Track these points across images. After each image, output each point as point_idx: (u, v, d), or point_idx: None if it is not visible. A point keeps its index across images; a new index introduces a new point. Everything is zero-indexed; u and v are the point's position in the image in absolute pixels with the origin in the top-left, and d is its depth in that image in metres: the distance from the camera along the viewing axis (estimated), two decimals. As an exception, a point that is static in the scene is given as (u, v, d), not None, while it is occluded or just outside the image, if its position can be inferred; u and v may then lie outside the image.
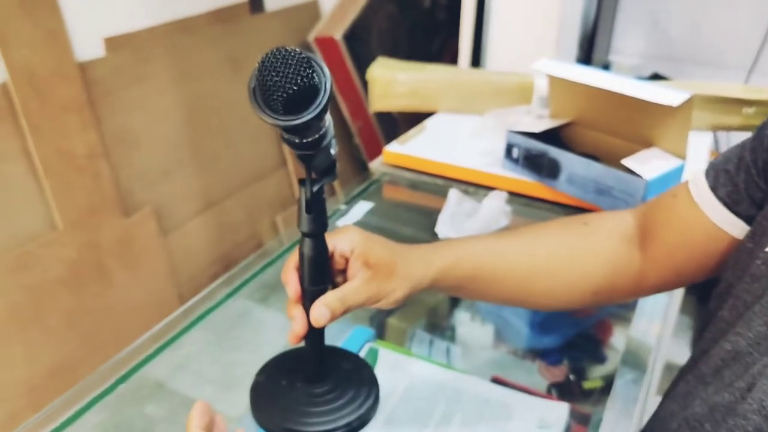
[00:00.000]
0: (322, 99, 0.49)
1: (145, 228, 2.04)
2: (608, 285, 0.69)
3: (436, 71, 1.29)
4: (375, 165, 1.19)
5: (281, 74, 0.48)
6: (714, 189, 0.62)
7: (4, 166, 1.71)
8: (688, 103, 0.92)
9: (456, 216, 1.02)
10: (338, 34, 2.30)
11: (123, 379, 0.78)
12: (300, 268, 0.59)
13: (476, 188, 1.12)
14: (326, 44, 2.34)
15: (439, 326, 1.04)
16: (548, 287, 0.70)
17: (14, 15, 1.68)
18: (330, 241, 0.60)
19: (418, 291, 0.63)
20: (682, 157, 0.98)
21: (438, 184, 1.14)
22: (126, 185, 1.98)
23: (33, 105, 1.73)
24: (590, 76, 1.02)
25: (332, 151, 0.58)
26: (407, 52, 2.58)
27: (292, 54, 0.48)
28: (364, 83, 2.43)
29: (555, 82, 1.09)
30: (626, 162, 0.96)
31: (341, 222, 1.05)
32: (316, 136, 0.53)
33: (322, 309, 0.57)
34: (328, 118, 0.54)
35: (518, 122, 1.20)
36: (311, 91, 0.48)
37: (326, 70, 0.49)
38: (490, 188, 1.11)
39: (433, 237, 1.01)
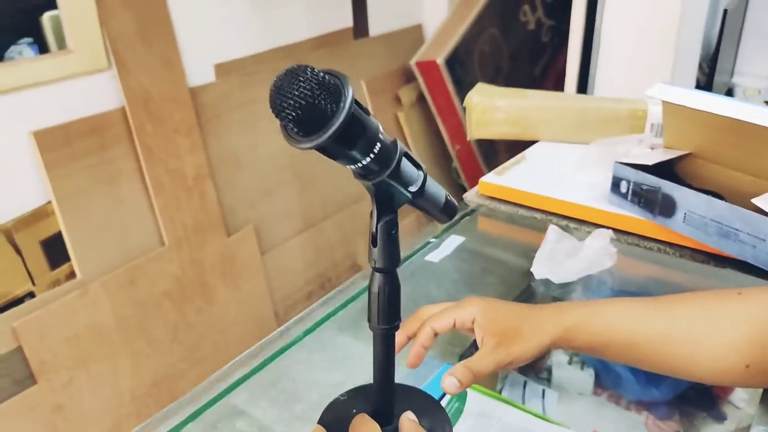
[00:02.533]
0: (334, 122, 0.43)
1: (246, 246, 2.03)
2: (764, 359, 0.60)
3: (537, 97, 1.18)
4: (470, 196, 1.09)
5: (285, 95, 0.44)
6: None
7: (120, 185, 1.73)
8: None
9: (555, 255, 0.91)
10: (440, 58, 2.22)
11: (218, 397, 0.75)
12: (368, 305, 0.55)
13: (579, 224, 1.00)
14: (427, 68, 2.26)
15: (534, 368, 0.93)
16: (690, 356, 0.62)
17: (133, 43, 1.71)
18: (452, 314, 0.62)
19: (547, 350, 0.62)
20: (825, 197, 0.82)
21: (536, 218, 1.02)
22: (229, 205, 1.98)
23: (147, 128, 1.75)
24: (713, 103, 0.88)
25: (402, 187, 0.52)
26: (509, 76, 2.47)
27: (302, 74, 0.44)
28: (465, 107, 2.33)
29: (671, 109, 0.95)
30: (757, 201, 0.81)
31: (430, 257, 0.95)
32: (361, 164, 0.48)
33: (451, 380, 0.58)
34: (383, 148, 0.49)
35: (628, 153, 1.07)
36: (319, 114, 0.43)
37: (346, 90, 0.44)
38: (594, 225, 0.98)
39: (528, 277, 0.90)
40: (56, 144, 1.56)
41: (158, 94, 1.77)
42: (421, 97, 2.38)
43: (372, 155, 0.49)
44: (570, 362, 0.94)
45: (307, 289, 2.15)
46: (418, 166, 0.56)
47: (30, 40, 1.52)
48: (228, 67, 1.93)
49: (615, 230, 0.95)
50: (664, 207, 0.91)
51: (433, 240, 0.99)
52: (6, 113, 1.46)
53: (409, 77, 2.38)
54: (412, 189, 0.55)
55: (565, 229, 0.96)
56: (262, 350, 0.82)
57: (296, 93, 0.44)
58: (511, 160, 1.13)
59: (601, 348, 0.64)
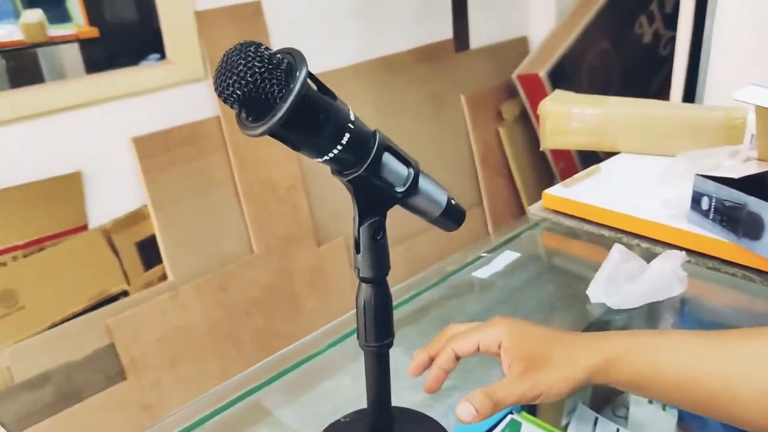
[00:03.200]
0: (282, 105, 0.39)
1: (335, 258, 2.01)
2: None
3: (618, 104, 1.06)
4: (533, 209, 0.99)
5: (228, 74, 0.40)
6: None
7: (215, 192, 1.78)
8: None
9: (615, 276, 0.79)
10: (542, 71, 2.11)
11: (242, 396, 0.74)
12: (357, 320, 0.51)
13: (651, 244, 0.87)
14: (529, 81, 2.16)
15: (610, 402, 0.81)
16: (755, 403, 0.51)
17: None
18: (476, 336, 0.55)
19: (584, 383, 0.53)
20: None
21: (604, 235, 0.91)
22: (320, 216, 1.97)
23: (240, 137, 1.79)
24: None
25: (387, 186, 0.48)
26: (621, 91, 2.30)
27: (248, 51, 0.40)
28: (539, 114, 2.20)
29: (764, 115, 0.81)
30: None
31: (479, 273, 0.87)
32: (330, 155, 0.44)
33: (467, 407, 0.50)
34: (354, 136, 0.45)
35: (719, 166, 0.93)
36: (264, 96, 0.40)
37: (300, 69, 0.40)
38: (669, 245, 0.86)
39: (584, 300, 0.79)
40: (154, 150, 1.62)
41: (253, 104, 1.81)
42: (524, 113, 2.27)
43: (341, 145, 0.44)
44: (651, 401, 0.82)
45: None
46: (406, 163, 0.50)
47: (158, 56, 1.61)
48: (325, 77, 1.93)
49: (692, 252, 0.82)
50: (751, 227, 0.77)
51: (485, 254, 0.91)
52: (109, 119, 1.55)
53: (512, 92, 2.28)
54: (400, 189, 0.49)
55: (633, 248, 0.84)
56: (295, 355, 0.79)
57: (239, 72, 0.40)
58: (584, 172, 1.03)
59: (647, 385, 0.54)
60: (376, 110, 2.01)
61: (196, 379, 1.75)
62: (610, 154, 1.11)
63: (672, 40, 2.41)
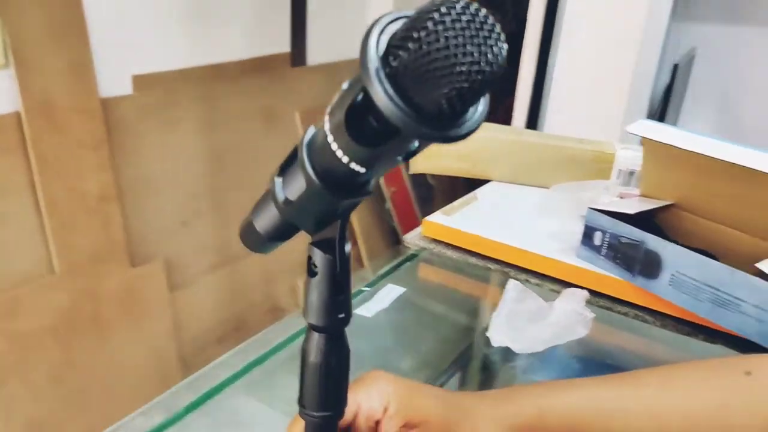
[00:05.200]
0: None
1: (153, 280, 1.74)
2: None
3: (492, 130, 0.99)
4: (411, 237, 0.88)
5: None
6: None
7: (9, 201, 1.44)
8: None
9: (515, 317, 0.70)
10: (380, 95, 2.03)
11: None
12: (300, 378, 0.37)
13: (541, 280, 0.80)
14: (367, 104, 2.07)
15: None
16: None
17: (39, 42, 1.44)
18: (351, 396, 0.39)
19: None
20: (839, 266, 0.66)
21: (490, 268, 0.82)
22: (138, 233, 1.69)
23: (46, 137, 1.47)
24: (706, 144, 0.71)
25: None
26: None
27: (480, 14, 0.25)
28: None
29: (653, 149, 0.78)
30: (763, 266, 0.64)
31: (362, 310, 0.73)
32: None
33: None
34: None
35: (595, 200, 0.89)
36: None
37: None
38: (559, 282, 0.79)
39: (484, 342, 0.69)
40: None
41: (62, 100, 1.50)
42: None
43: None
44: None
45: (219, 332, 1.87)
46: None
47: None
48: (149, 80, 1.68)
49: (583, 290, 0.75)
50: (647, 265, 0.72)
51: (366, 289, 0.77)
52: None
53: (346, 112, 2.19)
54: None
55: (523, 284, 0.76)
56: (151, 410, 0.58)
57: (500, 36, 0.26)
58: (461, 200, 0.93)
59: None
60: (203, 120, 1.79)
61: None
62: (462, 187, 1.03)
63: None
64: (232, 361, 0.64)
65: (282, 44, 1.98)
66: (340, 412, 0.38)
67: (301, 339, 0.36)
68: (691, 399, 0.46)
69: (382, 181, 2.21)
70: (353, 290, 0.75)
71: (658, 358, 0.76)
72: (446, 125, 0.27)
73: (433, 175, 2.30)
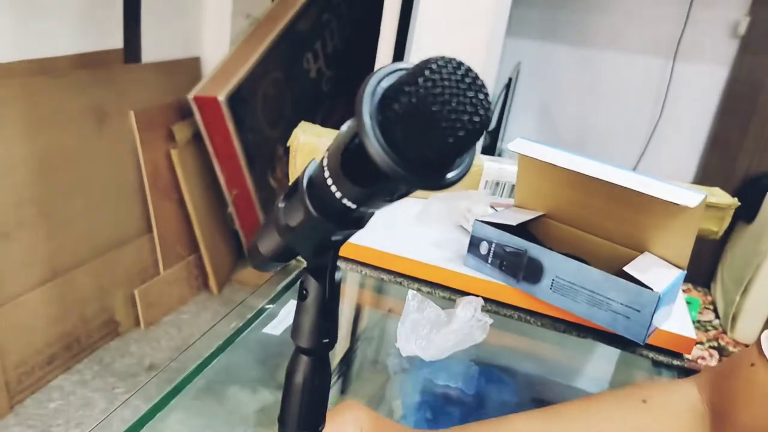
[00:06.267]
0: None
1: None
2: None
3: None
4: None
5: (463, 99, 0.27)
6: None
7: None
8: (702, 205, 0.71)
9: (419, 327, 0.73)
10: (221, 95, 1.96)
11: None
12: (283, 399, 0.39)
13: (432, 288, 0.83)
14: (207, 104, 1.98)
15: None
16: None
17: None
18: (327, 423, 0.40)
19: None
20: (683, 266, 0.77)
21: (383, 279, 0.84)
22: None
23: None
24: (570, 160, 0.79)
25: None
26: (291, 123, 2.29)
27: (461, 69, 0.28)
28: (245, 148, 2.09)
29: (528, 165, 0.85)
30: (630, 270, 0.73)
31: (270, 329, 0.71)
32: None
33: None
34: None
35: (471, 209, 0.94)
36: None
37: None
38: (449, 289, 0.83)
39: (390, 350, 0.70)
40: None
41: None
42: (197, 136, 2.08)
43: None
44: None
45: (48, 352, 1.67)
46: None
47: None
48: (-42, 72, 1.45)
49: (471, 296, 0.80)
50: (530, 272, 0.79)
51: (269, 306, 0.74)
52: None
53: (185, 113, 2.07)
54: None
55: (417, 292, 0.78)
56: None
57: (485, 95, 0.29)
58: (346, 211, 0.94)
59: None
60: (27, 120, 1.59)
61: None
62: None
63: (331, 79, 2.51)
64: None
65: (115, 40, 1.82)
66: None
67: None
68: (607, 428, 0.53)
69: (223, 183, 2.13)
70: (255, 309, 0.73)
71: (542, 354, 0.84)
72: (432, 174, 0.29)
73: (275, 177, 2.27)
